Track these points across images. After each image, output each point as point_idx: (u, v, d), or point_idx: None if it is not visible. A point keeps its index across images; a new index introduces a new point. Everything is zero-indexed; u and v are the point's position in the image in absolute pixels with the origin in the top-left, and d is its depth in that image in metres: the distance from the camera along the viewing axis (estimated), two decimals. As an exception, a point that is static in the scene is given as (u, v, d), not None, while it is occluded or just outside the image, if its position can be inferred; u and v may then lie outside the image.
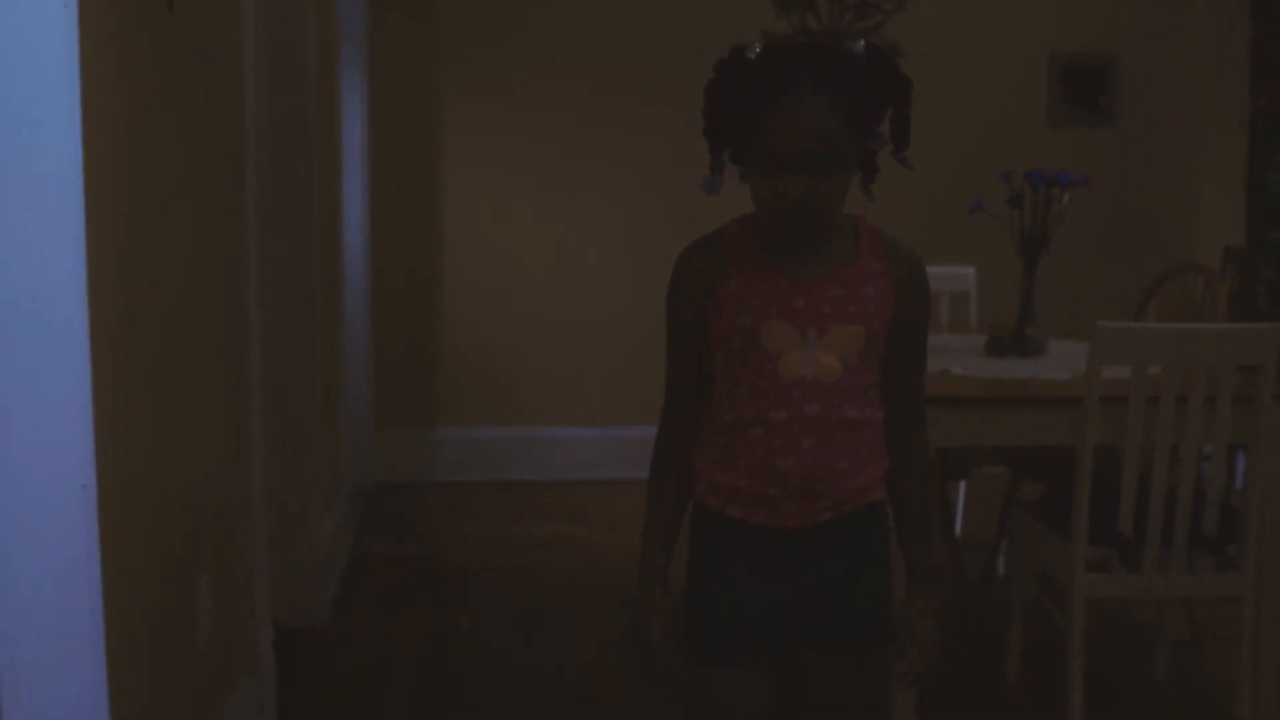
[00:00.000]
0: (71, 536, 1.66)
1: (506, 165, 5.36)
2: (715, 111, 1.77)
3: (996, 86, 5.52)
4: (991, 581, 3.94)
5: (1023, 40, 5.50)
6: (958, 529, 4.30)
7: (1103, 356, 2.71)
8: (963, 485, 4.43)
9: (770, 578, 1.82)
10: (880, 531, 1.88)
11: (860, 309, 1.76)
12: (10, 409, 1.62)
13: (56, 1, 1.59)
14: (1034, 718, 3.06)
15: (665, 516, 1.87)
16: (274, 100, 3.38)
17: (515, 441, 5.41)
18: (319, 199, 3.72)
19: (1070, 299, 4.54)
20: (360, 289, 5.01)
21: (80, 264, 1.65)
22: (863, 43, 1.75)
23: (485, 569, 4.27)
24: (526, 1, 5.31)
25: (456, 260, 5.39)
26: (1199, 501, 2.84)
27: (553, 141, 5.35)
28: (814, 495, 1.78)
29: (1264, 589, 2.92)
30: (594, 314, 5.36)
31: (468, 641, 3.62)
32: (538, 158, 5.36)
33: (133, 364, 2.01)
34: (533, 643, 3.60)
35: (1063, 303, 4.24)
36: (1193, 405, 2.76)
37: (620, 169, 5.30)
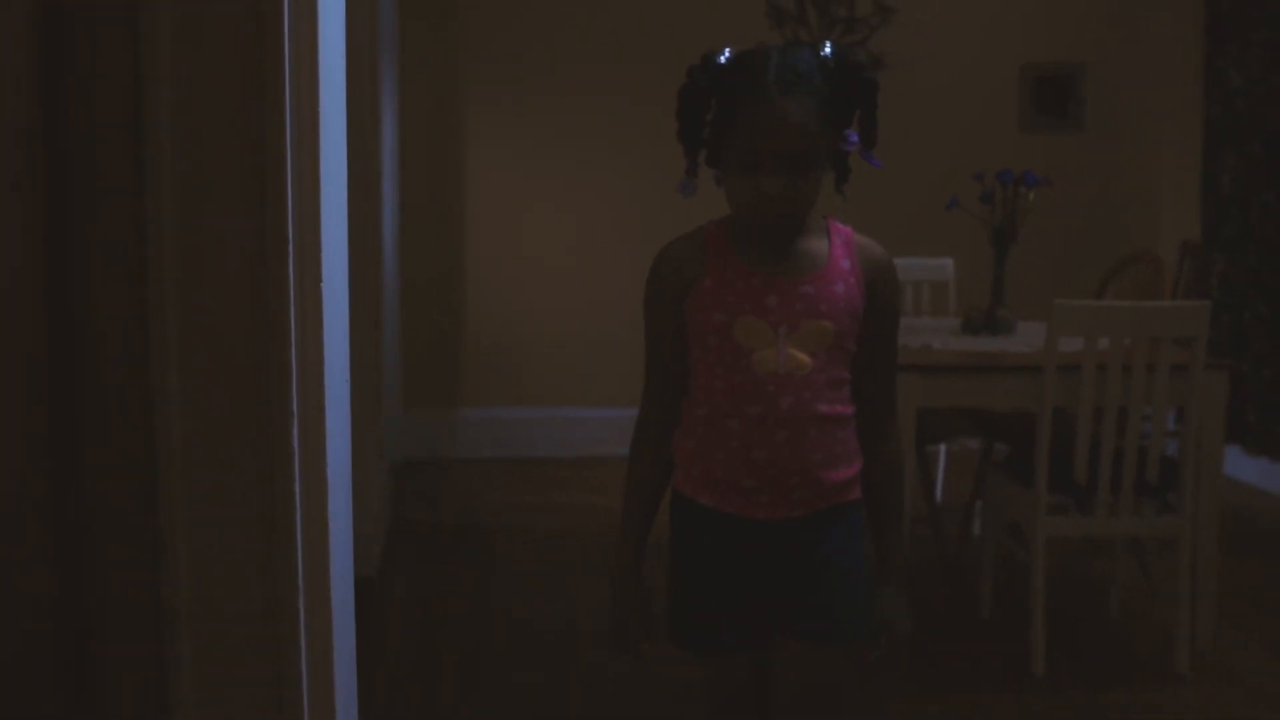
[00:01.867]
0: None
1: (524, 164, 5.81)
2: (689, 115, 1.82)
3: (973, 95, 5.98)
4: (967, 539, 4.41)
5: (997, 53, 5.95)
6: (938, 495, 4.77)
7: (1059, 330, 3.18)
8: (942, 456, 4.91)
9: (744, 567, 1.85)
10: (855, 530, 1.91)
11: (831, 306, 1.81)
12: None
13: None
14: (1003, 648, 3.52)
15: (641, 505, 1.92)
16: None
17: (534, 421, 5.87)
18: (373, 199, 4.17)
19: (1040, 286, 4.99)
20: (390, 280, 5.44)
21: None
22: (830, 47, 1.80)
23: (512, 531, 4.72)
24: (541, 13, 5.77)
25: (478, 252, 5.84)
26: (1143, 455, 3.31)
27: (567, 141, 5.80)
28: (788, 487, 1.82)
29: (1198, 529, 3.40)
30: (607, 301, 5.81)
31: (501, 590, 4.07)
32: (553, 157, 5.81)
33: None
34: (558, 593, 4.05)
35: (1034, 289, 4.70)
36: (1136, 372, 3.23)
37: (629, 166, 5.74)
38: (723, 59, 1.79)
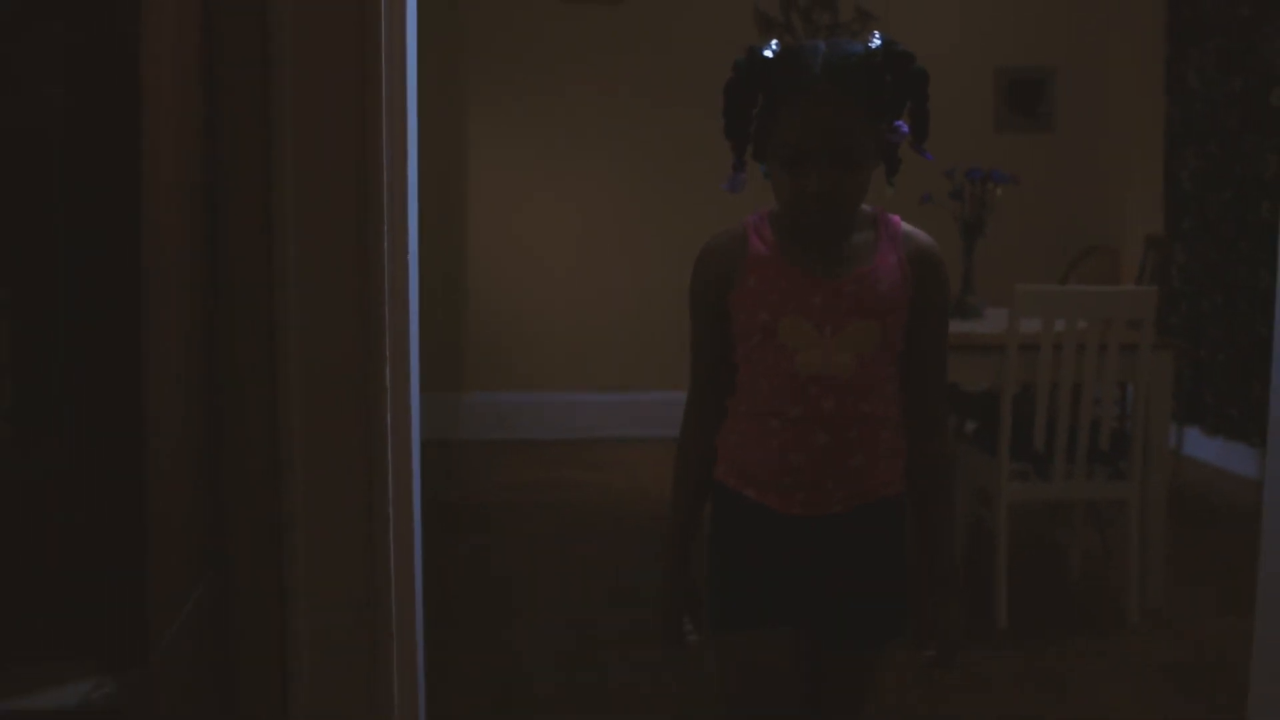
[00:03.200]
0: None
1: (525, 161, 6.13)
2: (735, 110, 1.76)
3: (949, 97, 6.27)
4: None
5: (972, 57, 6.29)
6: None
7: (1020, 312, 3.52)
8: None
9: (783, 557, 1.81)
10: (896, 525, 1.85)
11: (876, 305, 1.74)
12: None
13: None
14: (971, 603, 3.85)
15: (689, 497, 1.89)
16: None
17: (533, 405, 6.20)
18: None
19: (1012, 275, 5.31)
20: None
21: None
22: (878, 39, 1.75)
23: (516, 504, 5.05)
24: (539, 14, 6.09)
25: (481, 246, 6.16)
26: (1096, 426, 3.65)
27: (565, 139, 6.12)
28: (825, 490, 1.77)
29: (1147, 494, 3.74)
30: (603, 292, 6.13)
31: (507, 556, 4.40)
32: (552, 154, 6.13)
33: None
34: (559, 558, 4.38)
35: (1007, 277, 5.02)
36: (1089, 351, 3.57)
37: (625, 162, 6.06)
38: (769, 53, 1.73)
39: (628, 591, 3.98)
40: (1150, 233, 6.01)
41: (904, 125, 1.76)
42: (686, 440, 1.89)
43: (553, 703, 3.18)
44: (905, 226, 1.82)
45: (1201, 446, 5.87)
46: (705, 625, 1.89)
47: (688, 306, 1.85)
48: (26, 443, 1.42)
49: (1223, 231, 5.72)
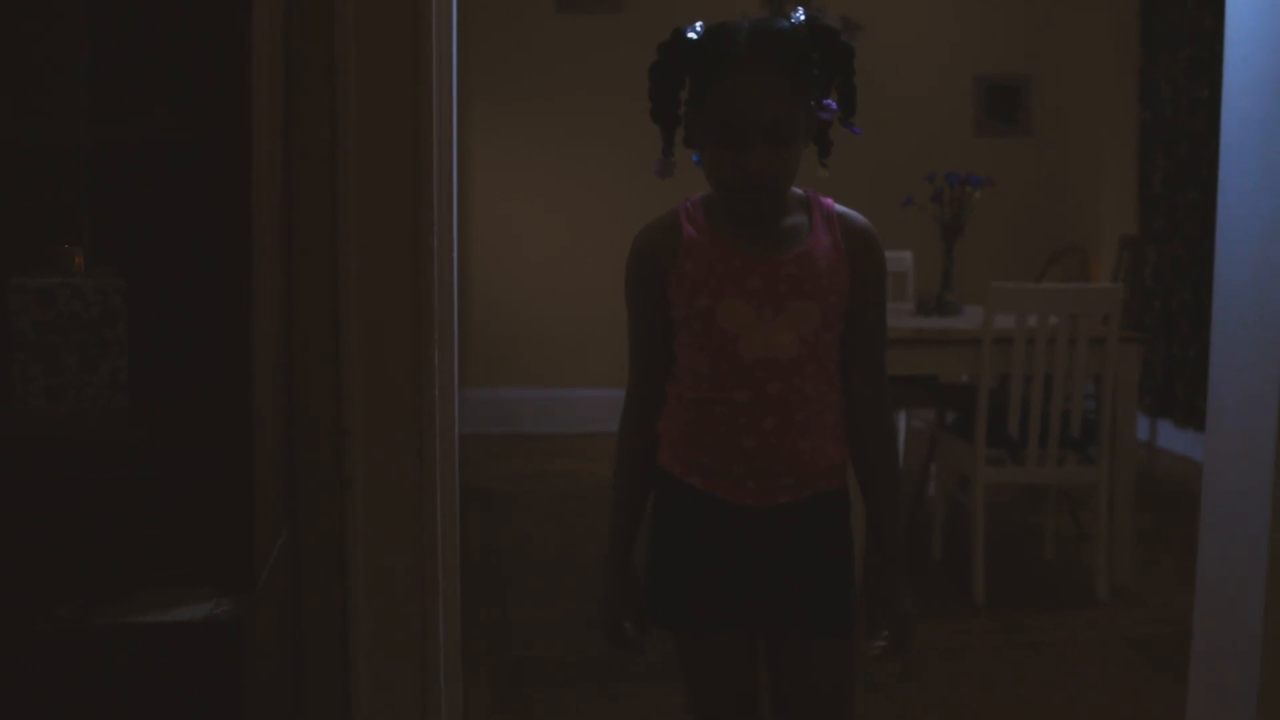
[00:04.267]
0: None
1: (524, 164, 6.38)
2: (662, 93, 1.74)
3: (932, 103, 6.57)
4: (922, 497, 5.01)
5: (953, 65, 6.56)
6: (900, 460, 5.36)
7: (995, 309, 3.77)
8: (902, 422, 5.51)
9: (729, 550, 1.80)
10: (843, 517, 1.84)
11: (815, 285, 1.74)
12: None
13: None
14: (951, 582, 4.10)
15: (632, 494, 1.87)
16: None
17: (533, 400, 6.45)
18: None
19: (991, 274, 5.57)
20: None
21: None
22: (803, 15, 1.73)
23: (519, 492, 5.31)
24: (539, 23, 6.33)
25: (481, 245, 6.40)
26: (1067, 415, 3.91)
27: (563, 142, 6.37)
28: (775, 474, 1.77)
29: (1115, 477, 4.00)
30: (597, 291, 6.37)
31: (513, 539, 4.65)
32: (550, 156, 6.38)
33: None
34: (560, 539, 4.63)
35: (986, 277, 5.28)
36: (1060, 344, 3.82)
37: (618, 160, 6.28)
38: (693, 34, 1.72)
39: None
40: (1124, 233, 6.26)
41: (832, 103, 1.75)
42: (627, 433, 1.87)
43: (564, 669, 3.41)
44: (839, 208, 1.81)
45: (1173, 438, 6.14)
46: (647, 623, 1.88)
47: (624, 297, 1.84)
48: (143, 410, 1.67)
49: (1189, 231, 5.99)
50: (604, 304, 6.36)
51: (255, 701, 1.65)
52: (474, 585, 4.05)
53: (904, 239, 5.50)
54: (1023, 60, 6.60)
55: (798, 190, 1.79)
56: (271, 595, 1.73)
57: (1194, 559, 2.50)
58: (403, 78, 1.83)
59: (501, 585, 4.13)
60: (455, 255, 1.99)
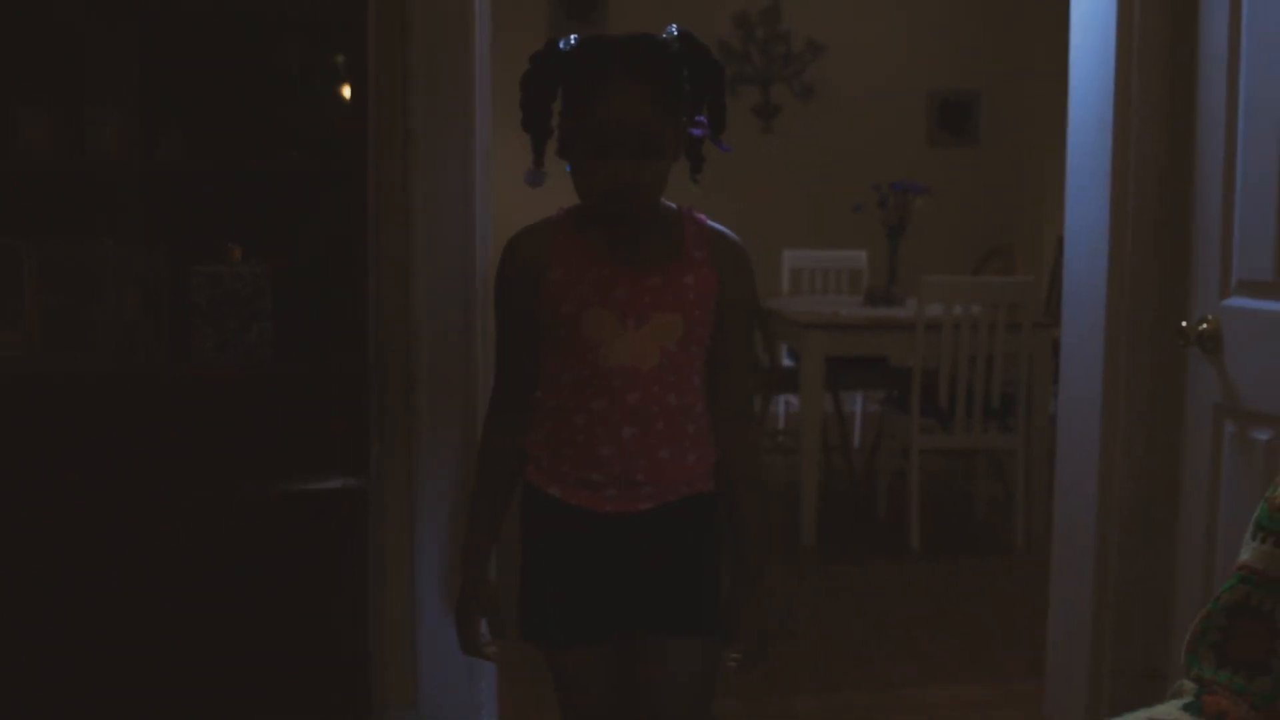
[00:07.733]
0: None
1: (518, 171, 6.99)
2: (534, 103, 1.74)
3: (888, 116, 7.21)
4: (873, 470, 5.68)
5: (909, 81, 7.18)
6: (856, 438, 6.05)
7: (926, 298, 4.44)
8: (859, 404, 6.19)
9: (593, 560, 1.79)
10: (708, 521, 1.84)
11: (680, 298, 1.74)
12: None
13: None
14: (891, 534, 4.77)
15: (491, 503, 1.87)
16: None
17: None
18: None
19: (936, 270, 6.22)
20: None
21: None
22: (676, 31, 1.73)
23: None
24: (528, 19, 6.94)
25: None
26: (989, 389, 4.58)
27: (554, 147, 6.97)
28: (634, 483, 1.76)
29: (1031, 443, 4.68)
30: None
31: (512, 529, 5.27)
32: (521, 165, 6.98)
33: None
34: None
35: (931, 272, 5.94)
36: (982, 329, 4.49)
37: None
38: (566, 45, 1.73)
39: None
40: (1060, 234, 6.88)
41: (703, 119, 1.77)
42: (487, 441, 1.87)
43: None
44: (712, 224, 1.82)
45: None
46: (504, 632, 1.91)
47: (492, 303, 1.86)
48: (283, 359, 2.38)
49: (1120, 233, 6.63)
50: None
51: (371, 542, 2.42)
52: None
53: (859, 239, 6.18)
54: (973, 76, 7.20)
55: (670, 204, 1.80)
56: (373, 483, 2.43)
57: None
58: (456, 126, 2.49)
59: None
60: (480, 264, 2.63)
